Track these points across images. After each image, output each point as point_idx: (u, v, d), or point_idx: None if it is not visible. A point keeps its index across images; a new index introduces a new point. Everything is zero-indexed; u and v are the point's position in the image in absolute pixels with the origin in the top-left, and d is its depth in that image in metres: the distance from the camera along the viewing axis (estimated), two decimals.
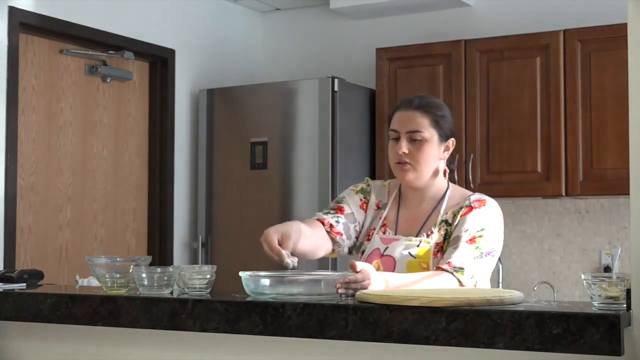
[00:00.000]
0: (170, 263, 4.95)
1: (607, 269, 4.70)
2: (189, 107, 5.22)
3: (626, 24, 1.83)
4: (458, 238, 2.50)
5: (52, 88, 4.54)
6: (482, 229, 2.51)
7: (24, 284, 2.50)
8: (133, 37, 4.83)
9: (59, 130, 4.57)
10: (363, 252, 2.65)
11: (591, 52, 4.52)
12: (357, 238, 2.70)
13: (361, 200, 2.70)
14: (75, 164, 4.64)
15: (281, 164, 4.90)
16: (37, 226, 4.43)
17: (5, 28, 4.17)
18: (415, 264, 2.52)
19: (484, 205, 2.57)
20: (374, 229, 2.65)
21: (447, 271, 2.43)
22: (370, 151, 5.03)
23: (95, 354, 2.30)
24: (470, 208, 2.55)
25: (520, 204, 4.96)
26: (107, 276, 2.26)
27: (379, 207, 2.70)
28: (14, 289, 2.39)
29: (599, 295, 1.76)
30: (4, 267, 4.04)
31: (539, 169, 4.60)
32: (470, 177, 4.72)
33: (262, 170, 4.92)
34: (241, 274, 2.13)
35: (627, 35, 1.82)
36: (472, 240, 2.49)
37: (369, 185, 2.74)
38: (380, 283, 2.27)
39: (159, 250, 5.00)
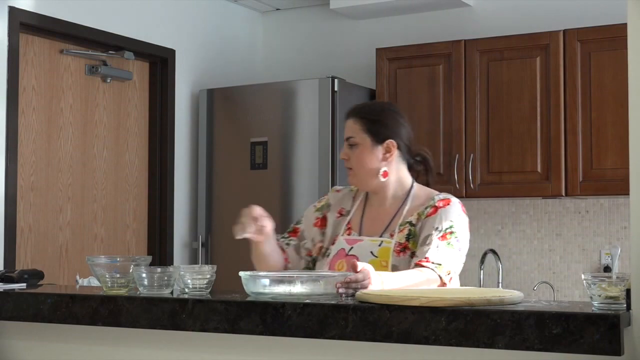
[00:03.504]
0: (170, 263, 4.95)
1: (607, 269, 4.70)
2: (189, 107, 5.22)
3: (626, 24, 1.83)
4: (429, 236, 2.57)
5: (52, 88, 4.54)
6: (450, 226, 2.60)
7: (24, 284, 2.50)
8: (133, 37, 4.83)
9: (59, 130, 4.57)
10: (328, 256, 2.72)
11: (591, 52, 4.52)
12: (309, 255, 2.81)
13: (317, 218, 2.83)
14: (75, 164, 4.64)
15: (281, 164, 4.90)
16: (37, 226, 4.43)
17: (5, 28, 4.17)
18: (377, 263, 2.57)
19: (449, 204, 2.65)
20: (339, 234, 2.74)
21: (427, 267, 2.51)
22: None
23: (95, 354, 2.30)
24: (436, 208, 2.63)
25: (520, 204, 4.96)
26: (107, 276, 2.26)
27: (341, 214, 2.80)
28: (14, 289, 2.39)
29: (599, 295, 1.76)
30: (4, 267, 4.04)
31: (539, 169, 4.60)
32: (470, 177, 4.72)
33: (262, 170, 4.92)
34: (241, 274, 2.13)
35: (627, 35, 1.82)
36: (443, 237, 2.57)
37: (329, 198, 2.86)
38: (378, 283, 2.28)
39: (159, 250, 5.00)
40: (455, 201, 2.67)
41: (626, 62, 1.82)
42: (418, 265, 2.52)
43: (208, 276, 2.17)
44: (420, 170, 2.82)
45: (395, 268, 2.58)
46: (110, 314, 2.15)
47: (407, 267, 2.58)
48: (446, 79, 4.83)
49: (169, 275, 2.20)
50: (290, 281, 2.07)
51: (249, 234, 2.62)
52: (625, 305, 1.75)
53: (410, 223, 2.65)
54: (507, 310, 1.74)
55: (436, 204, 2.64)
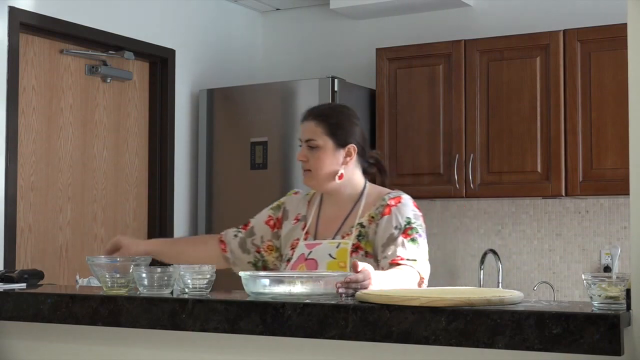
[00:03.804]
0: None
1: (607, 269, 4.70)
2: (189, 107, 5.22)
3: (626, 24, 1.83)
4: (392, 235, 2.63)
5: (52, 88, 4.54)
6: (408, 223, 2.66)
7: (24, 284, 2.50)
8: (133, 37, 4.83)
9: (59, 130, 4.57)
10: (289, 260, 2.76)
11: (591, 52, 4.52)
12: (259, 252, 2.88)
13: (269, 216, 2.90)
14: (75, 164, 4.64)
15: (281, 164, 4.90)
16: (37, 226, 4.43)
17: (5, 28, 4.17)
18: (335, 264, 2.64)
19: (400, 202, 2.71)
20: (298, 239, 2.79)
21: (405, 264, 2.58)
22: None
23: (95, 354, 2.30)
24: (389, 207, 2.68)
25: (520, 204, 4.96)
26: (107, 276, 2.26)
27: (298, 220, 2.85)
28: (14, 289, 2.39)
29: (599, 295, 1.76)
30: (4, 267, 4.04)
31: (539, 169, 4.60)
32: (470, 177, 4.72)
33: (262, 170, 4.92)
34: (241, 274, 2.14)
35: (627, 35, 1.82)
36: (405, 234, 2.63)
37: (285, 201, 2.92)
38: (377, 283, 2.30)
39: None
40: (406, 197, 2.73)
41: (626, 62, 1.82)
42: (395, 263, 2.58)
43: (208, 276, 2.17)
44: (375, 173, 2.88)
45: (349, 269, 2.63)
46: (110, 314, 2.15)
47: None
48: (446, 79, 4.83)
49: (169, 275, 2.20)
50: (290, 281, 2.08)
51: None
52: (625, 305, 1.75)
53: (361, 224, 2.70)
54: (507, 310, 1.74)
55: (388, 203, 2.69)
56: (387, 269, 2.57)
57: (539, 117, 4.61)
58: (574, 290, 4.81)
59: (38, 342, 2.38)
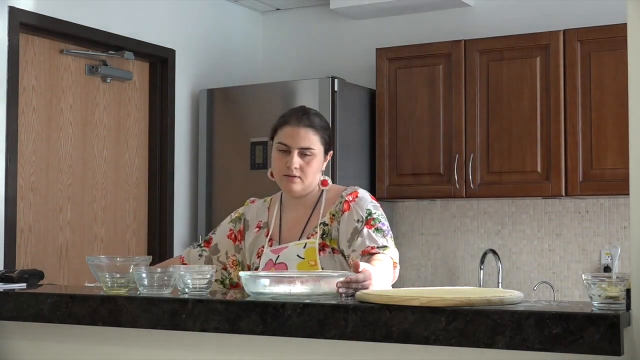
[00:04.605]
0: None
1: (607, 269, 4.70)
2: (189, 107, 5.22)
3: (626, 24, 1.83)
4: (356, 229, 2.66)
5: (52, 88, 4.54)
6: (368, 214, 2.68)
7: (24, 284, 2.50)
8: (133, 37, 4.83)
9: (59, 130, 4.57)
10: (257, 269, 2.77)
11: (591, 52, 4.52)
12: (225, 268, 2.87)
13: (230, 230, 2.89)
14: (75, 164, 4.64)
15: None
16: (37, 226, 4.43)
17: (5, 28, 4.17)
18: (305, 264, 2.66)
19: (357, 196, 2.73)
20: (263, 246, 2.79)
21: (378, 252, 2.60)
22: (370, 151, 5.04)
23: (95, 354, 2.30)
24: (347, 203, 2.71)
25: (520, 204, 4.96)
26: (107, 276, 2.26)
27: (260, 227, 2.85)
28: (14, 289, 2.39)
29: (599, 295, 1.76)
30: (4, 267, 4.04)
31: (539, 169, 4.60)
32: (471, 177, 4.72)
33: (262, 170, 4.92)
34: (241, 273, 2.14)
35: (627, 35, 1.82)
36: (368, 224, 2.66)
37: (244, 212, 2.91)
38: (378, 282, 2.30)
39: (159, 250, 5.00)
40: (362, 191, 2.76)
41: (626, 62, 1.82)
42: (367, 253, 2.60)
43: (208, 276, 2.17)
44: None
45: (320, 267, 2.66)
46: (110, 314, 2.15)
47: (331, 265, 2.66)
48: (446, 79, 4.83)
49: (169, 275, 2.20)
50: (290, 281, 2.08)
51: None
52: (625, 305, 1.75)
53: (324, 223, 2.72)
54: (507, 310, 1.74)
55: (346, 199, 2.72)
56: (360, 260, 2.57)
57: (539, 117, 4.61)
58: (574, 290, 4.81)
59: (38, 342, 2.38)
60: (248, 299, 2.04)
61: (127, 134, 4.95)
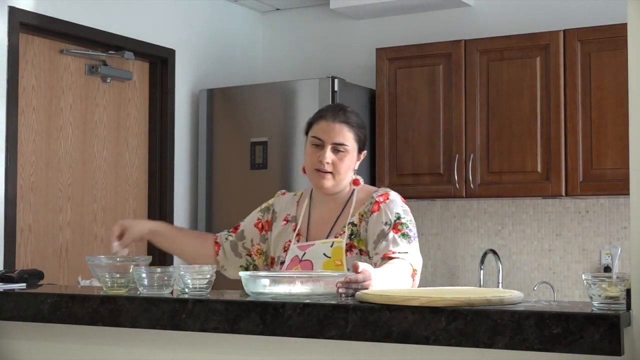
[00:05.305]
0: (170, 263, 4.94)
1: (607, 269, 4.70)
2: (189, 107, 5.22)
3: (626, 24, 1.83)
4: (383, 232, 2.65)
5: (52, 88, 4.54)
6: (398, 218, 2.67)
7: (24, 284, 2.50)
8: (133, 37, 4.83)
9: (59, 130, 4.57)
10: (282, 263, 2.76)
11: (591, 52, 4.52)
12: (250, 255, 2.88)
13: (258, 219, 2.91)
14: (75, 164, 4.64)
15: (281, 164, 4.90)
16: (37, 226, 4.43)
17: (5, 28, 4.17)
18: (331, 263, 2.64)
19: (388, 198, 2.72)
20: (290, 240, 2.78)
21: (398, 257, 2.57)
22: (370, 151, 5.04)
23: (95, 354, 2.30)
24: (377, 204, 2.70)
25: (520, 204, 4.96)
26: (107, 276, 2.26)
27: (287, 221, 2.85)
28: (14, 289, 2.39)
29: (599, 295, 1.76)
30: (4, 267, 4.04)
31: (539, 169, 4.60)
32: (471, 177, 4.72)
33: (262, 170, 4.92)
34: (241, 274, 2.14)
35: (627, 35, 1.82)
36: (396, 229, 2.64)
37: (274, 203, 2.93)
38: (378, 282, 2.29)
39: (159, 250, 4.99)
40: (394, 194, 2.75)
41: (626, 62, 1.82)
42: (387, 258, 2.58)
43: (208, 276, 2.17)
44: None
45: (346, 268, 2.64)
46: (110, 314, 2.15)
47: None
48: (446, 79, 4.83)
49: (169, 275, 2.20)
50: (290, 281, 2.08)
51: (119, 249, 2.81)
52: (625, 305, 1.75)
53: (353, 224, 2.71)
54: (507, 310, 1.74)
55: (376, 200, 2.71)
56: (379, 264, 2.58)
57: (539, 117, 4.61)
58: (574, 290, 4.81)
59: (38, 342, 2.38)
60: (248, 299, 2.04)
61: (127, 134, 4.95)
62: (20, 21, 4.23)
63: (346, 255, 2.66)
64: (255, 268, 2.88)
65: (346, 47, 5.51)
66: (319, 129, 2.76)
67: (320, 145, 2.74)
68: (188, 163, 5.20)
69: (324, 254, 2.68)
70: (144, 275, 2.18)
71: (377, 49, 5.04)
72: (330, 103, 4.77)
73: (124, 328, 2.17)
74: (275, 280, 2.08)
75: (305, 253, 2.71)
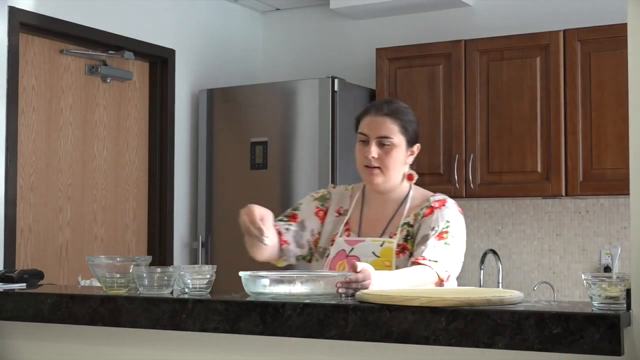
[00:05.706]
0: (170, 263, 4.94)
1: (607, 269, 4.70)
2: (189, 107, 5.22)
3: (626, 24, 1.83)
4: (427, 236, 2.58)
5: (52, 88, 4.54)
6: (447, 226, 2.60)
7: (24, 284, 2.50)
8: (133, 37, 4.83)
9: (59, 130, 4.57)
10: (327, 256, 2.70)
11: (591, 52, 4.52)
12: (310, 246, 2.76)
13: (317, 207, 2.80)
14: (75, 164, 4.64)
15: (281, 164, 4.90)
16: (37, 226, 4.43)
17: (5, 28, 4.17)
18: (379, 263, 2.57)
19: (444, 205, 2.66)
20: (337, 234, 2.71)
21: (425, 264, 2.51)
22: None
23: (95, 354, 2.30)
24: (432, 209, 2.64)
25: (520, 204, 4.96)
26: (107, 276, 2.26)
27: (340, 214, 2.77)
28: (14, 289, 2.39)
29: (599, 295, 1.76)
30: (4, 267, 4.04)
31: (539, 169, 4.60)
32: (471, 177, 4.72)
33: (262, 170, 4.92)
34: (241, 274, 2.13)
35: (627, 35, 1.82)
36: (440, 236, 2.58)
37: (329, 192, 2.83)
38: (378, 282, 2.28)
39: (159, 250, 5.00)
40: (450, 202, 2.68)
41: (626, 62, 1.82)
42: (415, 263, 2.53)
43: (208, 276, 2.17)
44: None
45: (395, 269, 2.58)
46: (110, 314, 2.15)
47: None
48: (446, 79, 4.83)
49: (169, 275, 2.20)
50: (290, 281, 2.07)
51: (266, 237, 2.50)
52: (625, 305, 1.75)
53: (408, 224, 2.66)
54: (507, 310, 1.74)
55: (432, 205, 2.65)
56: (409, 267, 2.53)
57: (539, 117, 4.61)
58: (574, 290, 4.81)
59: (38, 342, 2.38)
60: (248, 299, 2.04)
61: (127, 134, 4.95)
62: (20, 21, 4.23)
63: (397, 257, 2.60)
64: (312, 258, 2.77)
65: (346, 47, 5.51)
66: (364, 124, 2.69)
67: (366, 141, 2.67)
68: (188, 163, 5.20)
69: (373, 253, 2.61)
70: (144, 275, 2.18)
71: (377, 49, 5.04)
72: (331, 103, 4.78)
73: (124, 328, 2.17)
74: (275, 280, 2.08)
75: (353, 248, 2.65)
